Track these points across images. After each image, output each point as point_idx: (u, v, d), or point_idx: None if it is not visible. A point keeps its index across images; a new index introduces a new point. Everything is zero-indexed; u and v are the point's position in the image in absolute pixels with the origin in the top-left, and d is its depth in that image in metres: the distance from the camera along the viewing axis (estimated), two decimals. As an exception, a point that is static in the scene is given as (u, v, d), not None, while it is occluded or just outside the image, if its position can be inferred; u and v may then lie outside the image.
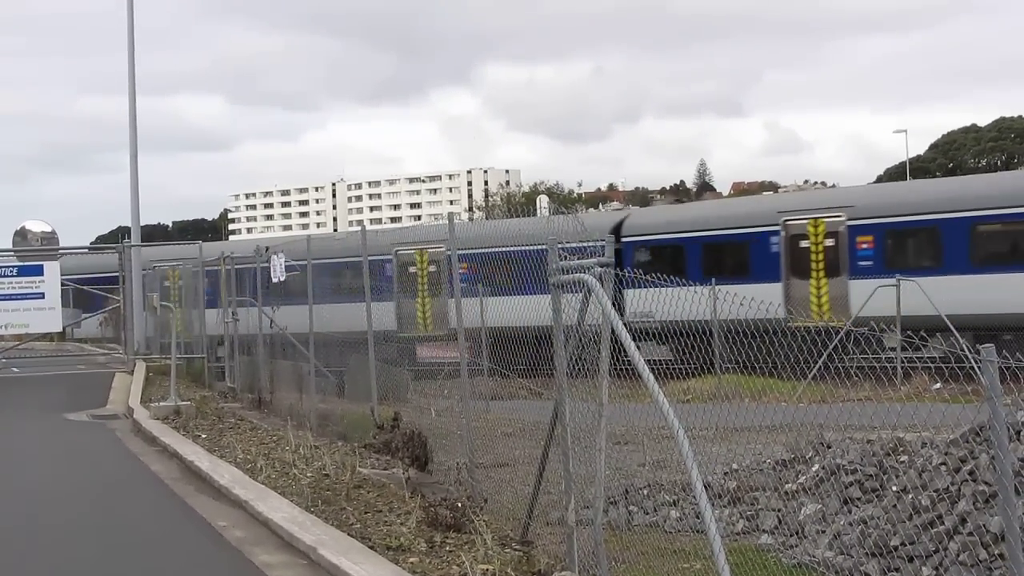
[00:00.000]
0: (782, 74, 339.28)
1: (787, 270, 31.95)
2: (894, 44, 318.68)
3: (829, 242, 31.62)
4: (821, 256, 31.65)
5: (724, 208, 39.98)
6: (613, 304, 8.86)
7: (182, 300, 34.48)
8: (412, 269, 36.37)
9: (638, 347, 8.06)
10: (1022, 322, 27.14)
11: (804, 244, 32.00)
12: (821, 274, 31.34)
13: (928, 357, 24.70)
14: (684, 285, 8.77)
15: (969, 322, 26.29)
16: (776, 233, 32.35)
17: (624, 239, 34.26)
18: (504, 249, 13.88)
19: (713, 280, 22.07)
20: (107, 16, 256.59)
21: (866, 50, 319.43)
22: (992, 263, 29.15)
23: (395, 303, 29.31)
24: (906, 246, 31.46)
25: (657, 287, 8.81)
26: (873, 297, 26.18)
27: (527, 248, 12.50)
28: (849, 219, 31.53)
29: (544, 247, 10.07)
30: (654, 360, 7.98)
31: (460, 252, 14.53)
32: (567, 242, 10.34)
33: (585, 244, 10.42)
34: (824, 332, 19.77)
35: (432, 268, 35.98)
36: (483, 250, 17.99)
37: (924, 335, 8.08)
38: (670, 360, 10.90)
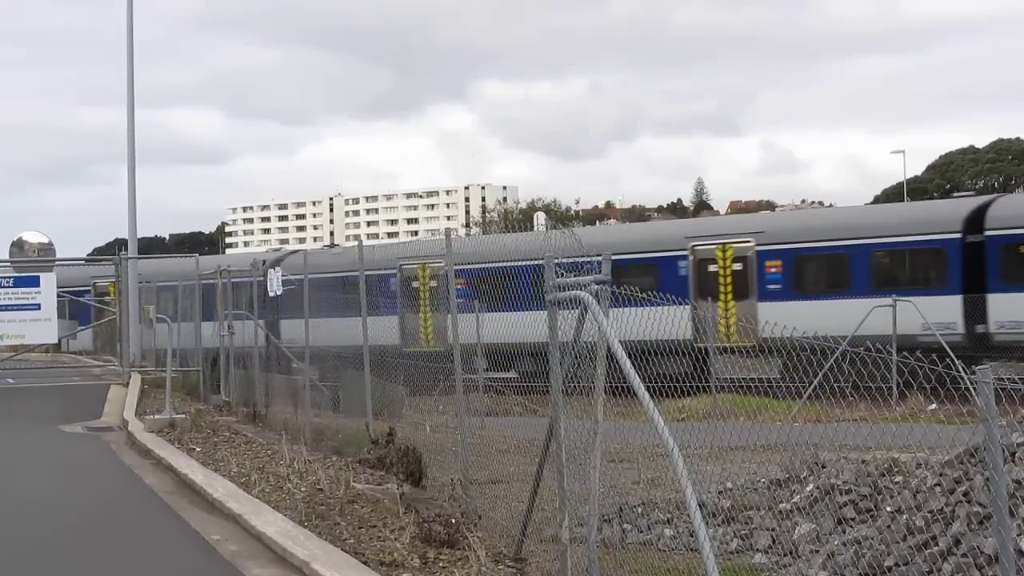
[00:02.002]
0: (778, 94, 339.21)
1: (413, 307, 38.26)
2: (891, 65, 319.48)
3: (432, 282, 38.66)
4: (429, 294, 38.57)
5: (374, 252, 43.55)
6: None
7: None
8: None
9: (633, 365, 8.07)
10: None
11: (414, 285, 39.15)
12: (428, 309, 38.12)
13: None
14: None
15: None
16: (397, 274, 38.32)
17: (300, 276, 38.62)
18: None
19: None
20: (105, 28, 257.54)
21: (862, 71, 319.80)
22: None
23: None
24: None
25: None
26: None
27: None
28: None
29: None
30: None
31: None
32: (562, 258, 10.35)
33: (580, 260, 10.47)
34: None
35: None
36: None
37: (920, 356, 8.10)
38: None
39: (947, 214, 32.91)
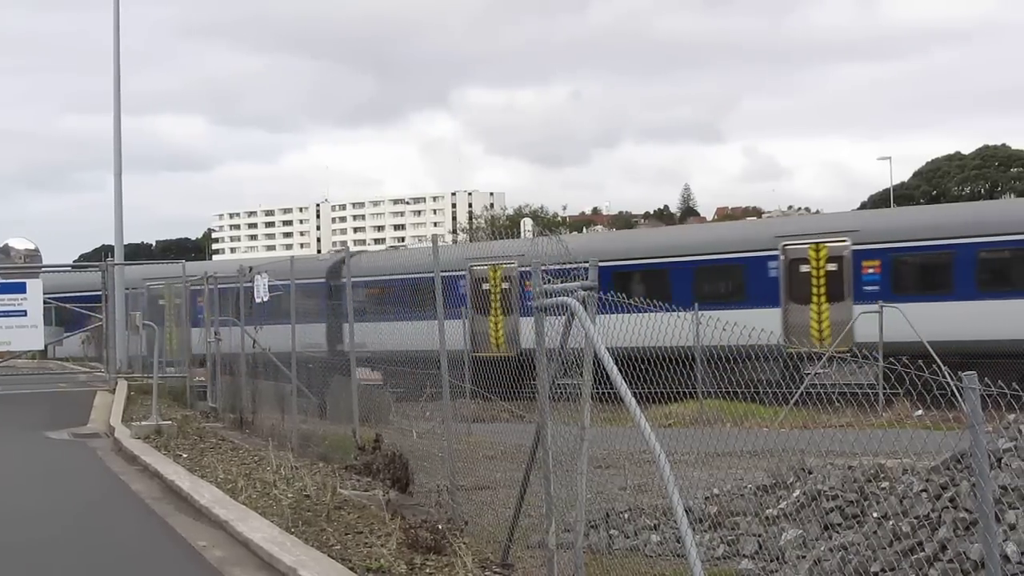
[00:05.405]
0: (760, 100, 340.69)
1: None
2: (874, 72, 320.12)
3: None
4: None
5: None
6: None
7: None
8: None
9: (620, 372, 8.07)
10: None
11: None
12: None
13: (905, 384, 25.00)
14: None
15: None
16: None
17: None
18: None
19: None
20: (90, 35, 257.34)
21: (845, 78, 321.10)
22: None
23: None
24: None
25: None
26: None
27: None
28: None
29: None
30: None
31: None
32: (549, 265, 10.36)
33: (567, 266, 10.47)
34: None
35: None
36: None
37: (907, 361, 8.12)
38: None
39: (321, 266, 41.79)
